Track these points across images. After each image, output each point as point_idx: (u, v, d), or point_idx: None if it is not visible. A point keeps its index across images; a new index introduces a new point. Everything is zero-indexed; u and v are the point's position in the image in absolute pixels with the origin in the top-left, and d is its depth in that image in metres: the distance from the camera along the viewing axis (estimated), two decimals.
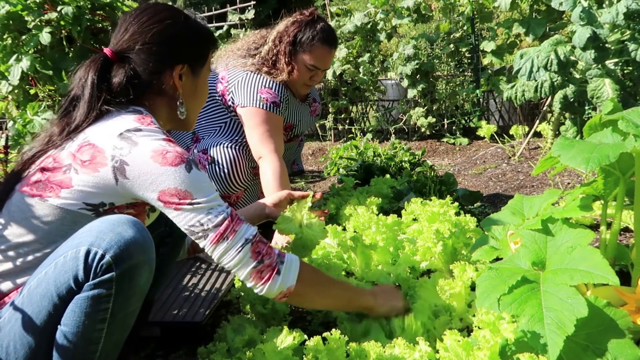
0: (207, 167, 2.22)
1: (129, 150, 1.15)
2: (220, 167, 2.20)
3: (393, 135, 5.06)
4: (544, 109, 3.84)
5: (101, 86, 1.24)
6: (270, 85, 2.22)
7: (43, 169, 1.19)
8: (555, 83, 2.84)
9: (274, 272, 1.22)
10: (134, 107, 1.26)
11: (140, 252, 1.07)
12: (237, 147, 2.23)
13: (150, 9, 1.33)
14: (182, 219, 1.17)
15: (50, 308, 1.05)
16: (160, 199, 1.16)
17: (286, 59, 2.23)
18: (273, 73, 2.25)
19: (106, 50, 1.29)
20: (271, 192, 1.99)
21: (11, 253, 1.16)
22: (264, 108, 2.19)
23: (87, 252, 1.03)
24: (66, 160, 1.18)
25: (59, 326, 1.06)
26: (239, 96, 2.23)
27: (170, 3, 2.84)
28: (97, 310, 1.05)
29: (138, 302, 1.13)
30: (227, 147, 2.22)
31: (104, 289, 1.04)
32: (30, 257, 1.16)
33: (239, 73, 2.27)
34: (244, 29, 5.52)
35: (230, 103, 2.26)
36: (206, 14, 6.89)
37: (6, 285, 1.16)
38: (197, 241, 1.19)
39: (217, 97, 2.33)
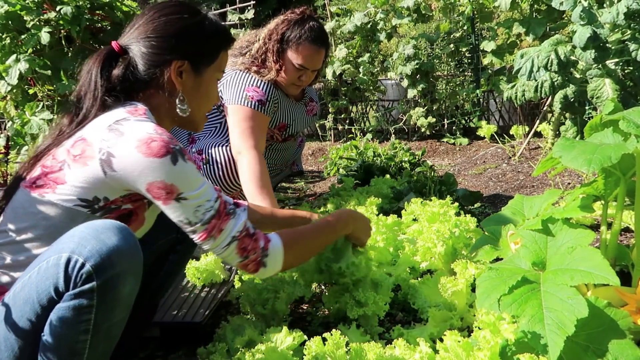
0: (203, 167, 2.21)
1: (115, 142, 1.13)
2: (216, 168, 2.19)
3: (393, 136, 5.06)
4: (544, 109, 3.84)
5: (103, 76, 1.24)
6: (258, 84, 2.21)
7: (44, 167, 1.18)
8: (556, 83, 2.83)
9: (260, 266, 1.28)
10: (130, 102, 1.25)
11: (123, 260, 1.03)
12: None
13: (162, 4, 1.32)
14: (171, 213, 1.17)
15: (32, 315, 1.03)
16: (149, 191, 1.14)
17: (274, 57, 2.21)
18: (262, 72, 2.24)
19: (113, 43, 1.29)
20: (251, 190, 1.97)
21: (14, 248, 1.15)
22: (249, 106, 2.17)
23: (68, 260, 1.00)
24: (62, 156, 1.17)
25: (41, 335, 1.03)
26: (227, 94, 2.21)
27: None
28: (79, 322, 1.01)
29: (123, 312, 1.09)
30: (222, 147, 2.21)
31: (84, 299, 1.00)
32: (32, 253, 1.15)
33: (228, 72, 2.25)
34: (243, 29, 5.51)
35: (220, 102, 2.26)
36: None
37: (6, 279, 1.15)
38: (186, 232, 1.21)
39: None
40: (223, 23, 1.42)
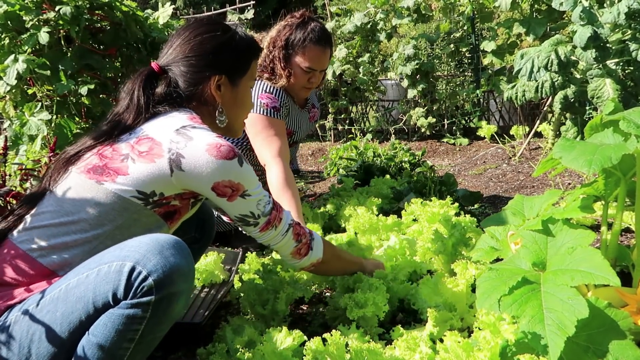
0: None
1: (185, 144, 1.22)
2: None
3: (393, 136, 5.05)
4: (545, 109, 3.84)
5: (147, 94, 1.33)
6: (270, 90, 2.22)
7: (102, 156, 1.24)
8: (556, 83, 2.83)
9: (309, 249, 1.47)
10: (183, 108, 1.34)
11: (182, 280, 1.09)
12: None
13: (194, 24, 1.42)
14: (234, 209, 1.30)
15: (83, 314, 1.06)
16: (214, 190, 1.24)
17: (282, 64, 2.22)
18: (273, 79, 2.25)
19: (153, 65, 1.39)
20: (278, 197, 2.00)
21: (60, 229, 1.19)
22: (265, 114, 2.18)
23: (132, 269, 1.05)
24: (125, 149, 1.24)
25: (87, 333, 1.07)
26: None
27: (173, 5, 2.83)
28: (128, 330, 1.06)
29: (168, 327, 1.14)
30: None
31: (140, 310, 1.05)
32: (76, 237, 1.18)
33: None
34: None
35: None
36: (205, 13, 6.90)
37: (48, 259, 1.17)
38: (244, 227, 1.35)
39: None
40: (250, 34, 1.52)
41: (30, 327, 1.08)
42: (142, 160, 1.22)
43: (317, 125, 5.43)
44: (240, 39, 1.44)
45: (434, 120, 4.82)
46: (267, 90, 2.21)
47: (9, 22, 2.20)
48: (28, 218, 1.22)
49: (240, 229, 2.33)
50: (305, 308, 1.77)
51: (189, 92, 1.37)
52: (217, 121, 1.42)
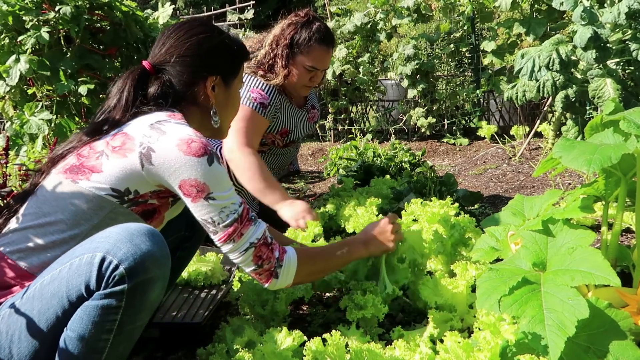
0: None
1: (157, 138, 1.20)
2: None
3: (393, 136, 5.05)
4: (545, 109, 3.84)
5: (137, 95, 1.31)
6: (263, 87, 2.21)
7: (79, 155, 1.24)
8: (558, 82, 2.83)
9: (272, 276, 1.31)
10: (167, 109, 1.32)
11: (155, 266, 1.08)
12: None
13: (187, 24, 1.41)
14: (197, 211, 1.23)
15: (59, 309, 1.06)
16: (181, 188, 1.20)
17: (283, 62, 2.22)
18: (268, 77, 2.25)
19: (144, 63, 1.36)
20: (257, 187, 1.99)
21: (38, 231, 1.18)
22: (249, 106, 2.17)
23: (102, 260, 1.04)
24: (100, 147, 1.23)
25: (65, 329, 1.06)
26: None
27: (173, 6, 2.83)
28: (105, 321, 1.05)
29: (147, 316, 1.13)
30: (221, 150, 2.20)
31: (114, 299, 1.04)
32: (54, 237, 1.18)
33: None
34: (243, 29, 5.51)
35: None
36: (205, 13, 6.90)
37: (28, 261, 1.17)
38: (208, 232, 1.26)
39: None
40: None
41: (9, 328, 1.07)
42: (115, 155, 1.20)
43: (317, 125, 5.42)
44: (232, 41, 1.44)
45: (434, 120, 4.82)
46: (260, 87, 2.21)
47: (9, 22, 2.20)
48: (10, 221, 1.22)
49: None
50: (305, 308, 1.77)
51: (184, 92, 1.35)
52: (212, 122, 1.41)
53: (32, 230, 1.18)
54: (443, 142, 4.82)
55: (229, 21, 5.74)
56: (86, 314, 1.04)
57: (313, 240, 1.89)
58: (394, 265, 1.59)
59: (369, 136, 5.04)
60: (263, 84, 2.22)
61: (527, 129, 3.98)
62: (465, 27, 4.77)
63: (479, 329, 1.25)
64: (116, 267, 1.03)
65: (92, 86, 2.28)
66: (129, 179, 1.20)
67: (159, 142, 1.19)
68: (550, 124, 3.66)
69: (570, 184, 2.97)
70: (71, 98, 2.36)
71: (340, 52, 4.99)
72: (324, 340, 1.25)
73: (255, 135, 2.18)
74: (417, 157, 3.40)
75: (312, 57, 2.21)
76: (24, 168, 1.85)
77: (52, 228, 1.18)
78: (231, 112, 1.49)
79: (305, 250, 1.43)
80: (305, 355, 1.22)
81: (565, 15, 3.66)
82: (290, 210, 1.96)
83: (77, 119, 2.40)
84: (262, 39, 2.35)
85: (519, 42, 4.41)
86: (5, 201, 1.57)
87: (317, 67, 2.24)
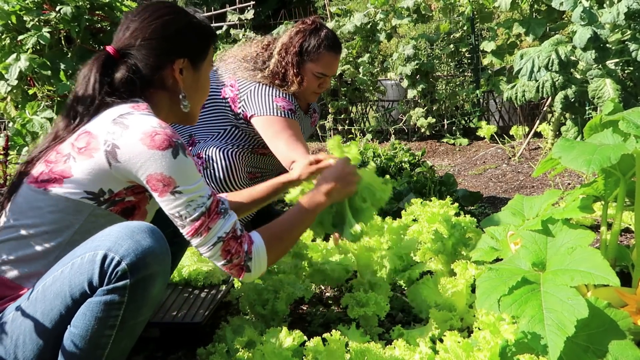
0: (202, 171, 2.20)
1: (120, 134, 1.16)
2: (216, 171, 2.19)
3: (393, 136, 5.05)
4: (544, 109, 3.84)
5: (103, 82, 1.26)
6: (284, 95, 2.23)
7: (47, 162, 1.21)
8: (557, 83, 2.83)
9: (243, 271, 1.26)
10: (132, 99, 1.27)
11: (156, 262, 1.08)
12: (233, 152, 2.22)
13: (151, 6, 1.36)
14: (165, 205, 1.20)
15: (62, 308, 1.06)
16: (148, 182, 1.18)
17: (294, 70, 2.23)
18: (284, 86, 2.26)
19: (108, 48, 1.31)
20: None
21: (22, 242, 1.17)
22: (283, 115, 2.17)
23: (104, 257, 1.04)
24: (66, 150, 1.20)
25: (68, 326, 1.07)
26: (254, 106, 2.21)
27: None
28: (108, 316, 1.06)
29: (149, 312, 1.14)
30: (223, 151, 2.20)
31: (117, 295, 1.05)
32: (39, 248, 1.17)
33: (250, 84, 2.26)
34: (243, 29, 5.51)
35: (239, 111, 2.25)
36: (206, 14, 6.89)
37: (14, 274, 1.16)
38: (177, 227, 1.22)
39: (222, 103, 2.31)
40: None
41: (13, 333, 1.08)
42: (82, 157, 1.17)
43: (316, 125, 5.43)
44: (199, 23, 1.39)
45: (434, 120, 4.82)
46: (281, 96, 2.22)
47: (9, 22, 2.21)
48: None
49: None
50: (305, 308, 1.77)
51: (151, 77, 1.30)
52: (181, 106, 1.36)
53: (15, 242, 1.17)
54: (443, 142, 4.82)
55: (229, 21, 5.74)
56: (89, 310, 1.05)
57: (313, 240, 1.89)
58: (357, 206, 1.52)
59: (368, 136, 5.04)
60: (283, 92, 2.23)
61: (527, 129, 3.98)
62: (465, 28, 4.77)
63: (479, 328, 1.25)
64: (118, 263, 1.04)
65: None
66: (99, 180, 1.17)
67: (123, 137, 1.16)
68: (549, 124, 3.67)
69: (569, 184, 2.97)
70: None
71: None
72: (324, 340, 1.26)
73: (303, 141, 2.16)
74: (416, 157, 3.40)
75: (322, 63, 2.23)
76: None
77: (34, 239, 1.17)
78: (201, 96, 1.44)
79: (270, 230, 1.35)
80: (305, 355, 1.23)
81: (564, 15, 3.66)
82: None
83: None
84: (267, 43, 2.35)
85: (518, 43, 4.41)
86: None
87: (327, 73, 2.26)
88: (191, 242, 1.24)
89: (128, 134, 1.16)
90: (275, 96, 2.21)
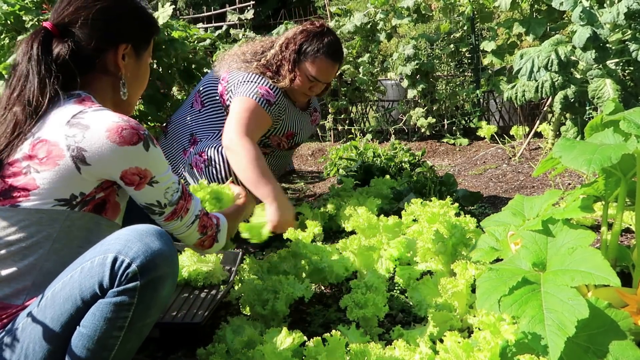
0: (204, 169, 2.20)
1: (82, 136, 1.14)
2: (217, 169, 2.19)
3: (393, 136, 5.05)
4: (545, 109, 3.84)
5: (47, 60, 1.21)
6: (271, 87, 2.22)
7: (4, 178, 1.16)
8: (556, 83, 2.83)
9: (213, 241, 1.45)
10: (71, 93, 1.22)
11: (165, 264, 1.09)
12: None
13: None
14: (142, 197, 1.23)
15: (73, 311, 1.07)
16: (123, 178, 1.18)
17: (289, 66, 2.23)
18: (275, 78, 2.25)
19: (46, 24, 1.24)
20: (252, 179, 1.98)
21: (3, 263, 1.15)
22: (255, 99, 2.16)
23: (114, 260, 1.05)
24: (24, 162, 1.15)
25: (77, 327, 1.07)
26: (236, 91, 2.20)
27: (170, 4, 2.83)
28: (117, 317, 1.06)
29: (157, 314, 1.14)
30: (224, 150, 2.21)
31: (126, 297, 1.06)
32: (21, 264, 1.15)
33: (240, 73, 2.26)
34: (243, 29, 5.51)
35: (228, 103, 2.25)
36: (205, 14, 6.89)
37: (3, 292, 1.15)
38: (150, 215, 1.29)
39: (217, 99, 2.31)
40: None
41: (23, 342, 1.07)
42: (45, 167, 1.13)
43: (318, 124, 5.43)
44: (145, 12, 1.37)
45: (434, 120, 4.82)
46: (267, 86, 2.21)
47: (9, 22, 2.20)
48: None
49: None
50: (305, 308, 1.77)
51: (93, 59, 1.25)
52: (121, 93, 1.31)
53: None
54: (443, 142, 4.82)
55: (229, 21, 5.74)
56: (99, 311, 1.06)
57: (312, 241, 1.89)
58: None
59: (368, 136, 5.03)
60: (270, 84, 2.23)
61: (527, 129, 3.98)
62: (465, 28, 4.77)
63: (479, 328, 1.25)
64: (129, 265, 1.05)
65: None
66: (69, 185, 1.15)
67: (86, 139, 1.13)
68: (550, 124, 3.66)
69: (570, 184, 2.97)
70: None
71: None
72: (324, 340, 1.25)
73: (257, 129, 2.16)
74: (417, 157, 3.40)
75: (317, 68, 2.23)
76: None
77: (14, 257, 1.15)
78: (140, 85, 1.41)
79: (227, 212, 1.61)
80: (305, 355, 1.23)
81: (565, 15, 3.66)
82: (275, 213, 1.94)
83: None
84: (273, 41, 2.35)
85: (518, 42, 4.41)
86: None
87: (319, 79, 2.25)
88: (167, 227, 1.29)
89: (91, 134, 1.13)
90: (262, 84, 2.20)
